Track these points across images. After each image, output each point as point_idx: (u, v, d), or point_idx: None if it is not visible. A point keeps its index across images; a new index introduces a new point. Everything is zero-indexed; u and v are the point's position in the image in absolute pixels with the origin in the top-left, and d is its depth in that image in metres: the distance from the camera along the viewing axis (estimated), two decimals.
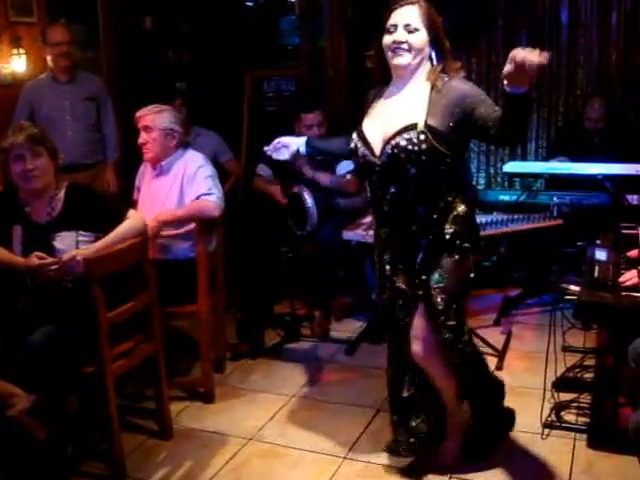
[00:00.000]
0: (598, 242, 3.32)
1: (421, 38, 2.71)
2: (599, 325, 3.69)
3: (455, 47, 2.82)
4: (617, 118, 5.19)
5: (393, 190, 2.79)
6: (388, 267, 2.95)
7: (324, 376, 4.16)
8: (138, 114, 3.90)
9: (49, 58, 4.78)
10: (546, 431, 3.34)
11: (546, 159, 5.39)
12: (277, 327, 4.77)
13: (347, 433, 3.47)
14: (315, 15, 6.05)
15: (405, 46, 2.70)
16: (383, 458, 3.21)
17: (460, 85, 2.72)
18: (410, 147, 2.68)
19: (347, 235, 4.36)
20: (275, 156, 3.19)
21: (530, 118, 2.45)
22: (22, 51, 4.99)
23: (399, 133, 2.71)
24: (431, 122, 2.69)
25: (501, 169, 5.76)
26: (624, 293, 2.73)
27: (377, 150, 2.80)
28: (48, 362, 2.90)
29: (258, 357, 4.39)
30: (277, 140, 3.19)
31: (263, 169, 4.99)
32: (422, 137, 2.67)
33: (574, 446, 3.26)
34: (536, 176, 5.02)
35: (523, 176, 5.25)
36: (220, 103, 6.14)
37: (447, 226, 2.79)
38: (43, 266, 3.05)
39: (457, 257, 2.80)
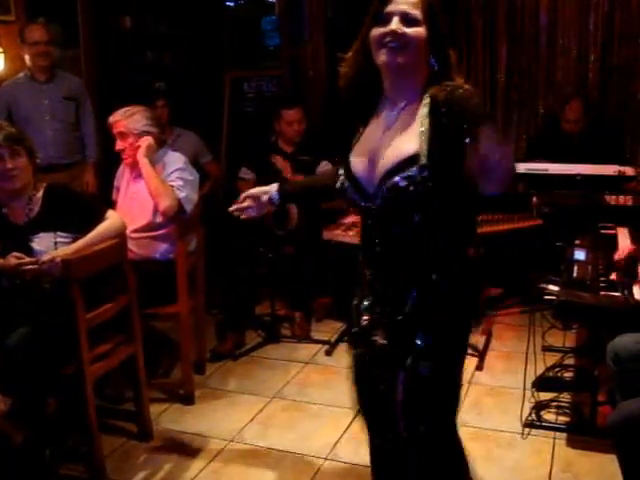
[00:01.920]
0: (577, 242, 3.35)
1: (421, 33, 2.02)
2: (578, 325, 3.72)
3: None
4: (595, 119, 5.22)
5: (396, 233, 2.10)
6: (366, 317, 2.24)
7: (305, 377, 4.15)
8: (111, 120, 3.82)
9: (27, 57, 4.73)
10: (526, 430, 3.37)
11: (524, 161, 5.40)
12: (257, 328, 4.76)
13: (328, 434, 3.47)
14: (295, 15, 6.04)
15: (401, 40, 2.00)
16: (364, 459, 3.20)
17: (467, 98, 1.94)
18: (412, 188, 1.98)
19: (327, 235, 4.37)
20: (244, 216, 2.66)
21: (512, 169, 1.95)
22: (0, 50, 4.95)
23: (396, 170, 2.01)
24: (435, 151, 1.97)
25: None
26: (603, 293, 2.76)
27: (370, 191, 2.11)
28: (26, 364, 2.87)
29: (238, 358, 4.38)
30: (243, 196, 2.64)
31: (246, 172, 4.95)
32: (426, 173, 1.97)
33: (554, 445, 3.28)
34: (516, 176, 5.02)
35: None
36: (200, 104, 6.11)
37: (445, 276, 2.09)
38: (21, 266, 3.02)
39: (450, 314, 2.12)
